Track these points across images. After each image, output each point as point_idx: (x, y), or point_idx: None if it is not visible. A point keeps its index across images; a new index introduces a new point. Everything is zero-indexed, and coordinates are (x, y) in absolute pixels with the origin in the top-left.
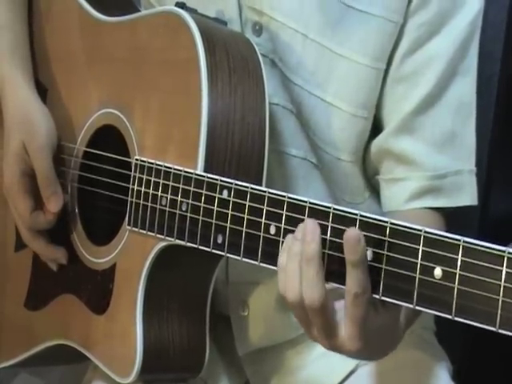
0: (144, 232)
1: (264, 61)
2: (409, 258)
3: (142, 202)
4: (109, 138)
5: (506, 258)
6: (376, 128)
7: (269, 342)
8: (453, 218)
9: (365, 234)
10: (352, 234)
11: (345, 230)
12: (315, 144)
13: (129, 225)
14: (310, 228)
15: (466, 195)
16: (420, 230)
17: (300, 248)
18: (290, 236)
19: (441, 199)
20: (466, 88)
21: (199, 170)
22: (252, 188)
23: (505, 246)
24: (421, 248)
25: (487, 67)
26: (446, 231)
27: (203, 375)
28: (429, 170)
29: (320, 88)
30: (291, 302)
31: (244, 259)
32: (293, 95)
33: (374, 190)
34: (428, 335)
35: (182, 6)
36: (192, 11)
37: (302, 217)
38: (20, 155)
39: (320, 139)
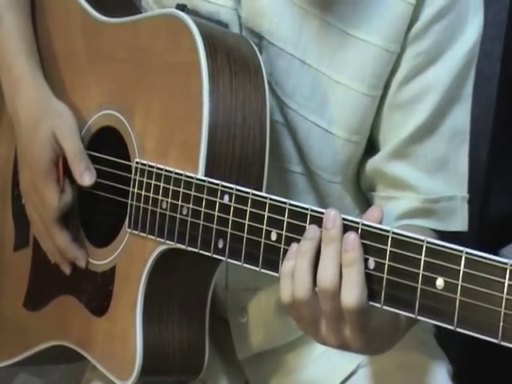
0: (144, 235)
1: None
2: (410, 268)
3: (142, 205)
4: (109, 139)
5: (508, 271)
6: (372, 147)
7: (268, 346)
8: None
9: (366, 242)
10: (351, 232)
11: None
12: (308, 166)
13: (129, 227)
14: (332, 214)
15: (457, 221)
16: (422, 240)
17: (310, 246)
18: (294, 244)
19: (432, 222)
20: (461, 116)
21: (200, 174)
22: (253, 194)
23: (504, 245)
24: (423, 258)
25: (487, 67)
26: (446, 234)
27: (203, 376)
28: (422, 194)
29: (315, 114)
30: (301, 301)
31: (245, 265)
32: (288, 119)
33: (364, 207)
34: (428, 337)
35: (182, 8)
36: (193, 13)
37: (304, 224)
38: (51, 143)
39: (312, 163)
